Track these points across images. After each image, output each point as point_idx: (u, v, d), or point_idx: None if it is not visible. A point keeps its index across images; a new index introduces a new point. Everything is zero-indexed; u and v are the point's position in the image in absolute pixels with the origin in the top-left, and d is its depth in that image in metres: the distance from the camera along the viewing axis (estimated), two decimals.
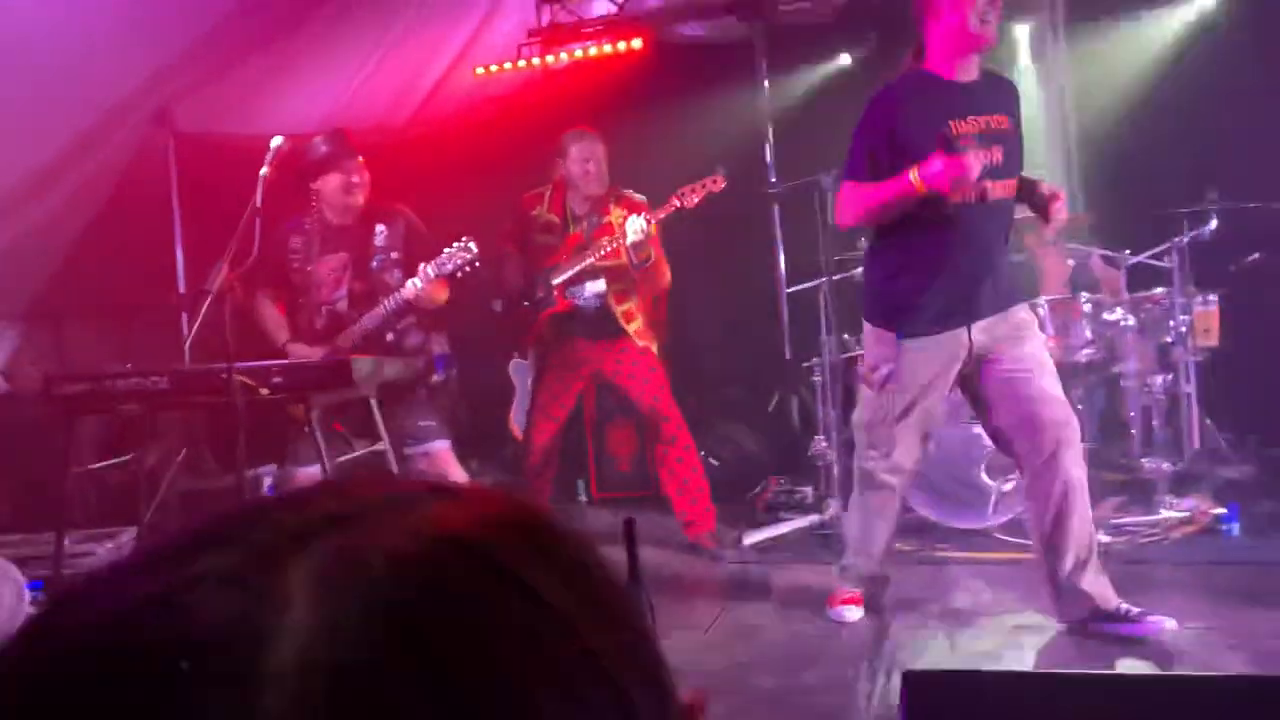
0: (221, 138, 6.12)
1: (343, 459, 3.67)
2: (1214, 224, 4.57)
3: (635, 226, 4.36)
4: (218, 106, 6.14)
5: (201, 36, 5.51)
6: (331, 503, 0.42)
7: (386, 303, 3.95)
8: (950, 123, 3.14)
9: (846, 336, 5.47)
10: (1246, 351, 5.06)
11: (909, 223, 3.24)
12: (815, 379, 5.28)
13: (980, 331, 3.30)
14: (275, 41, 5.90)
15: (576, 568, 0.43)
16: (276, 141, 3.54)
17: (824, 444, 5.05)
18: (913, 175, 3.07)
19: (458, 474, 4.10)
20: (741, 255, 6.76)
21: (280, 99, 6.41)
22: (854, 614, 3.63)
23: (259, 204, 3.41)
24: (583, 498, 5.97)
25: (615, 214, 4.63)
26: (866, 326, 3.52)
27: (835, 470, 4.88)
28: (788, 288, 6.23)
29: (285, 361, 3.52)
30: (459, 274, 3.90)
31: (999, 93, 3.30)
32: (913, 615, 3.67)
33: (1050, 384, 3.33)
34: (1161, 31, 5.92)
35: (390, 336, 4.02)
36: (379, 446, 3.69)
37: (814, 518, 4.94)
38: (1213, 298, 4.89)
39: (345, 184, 3.99)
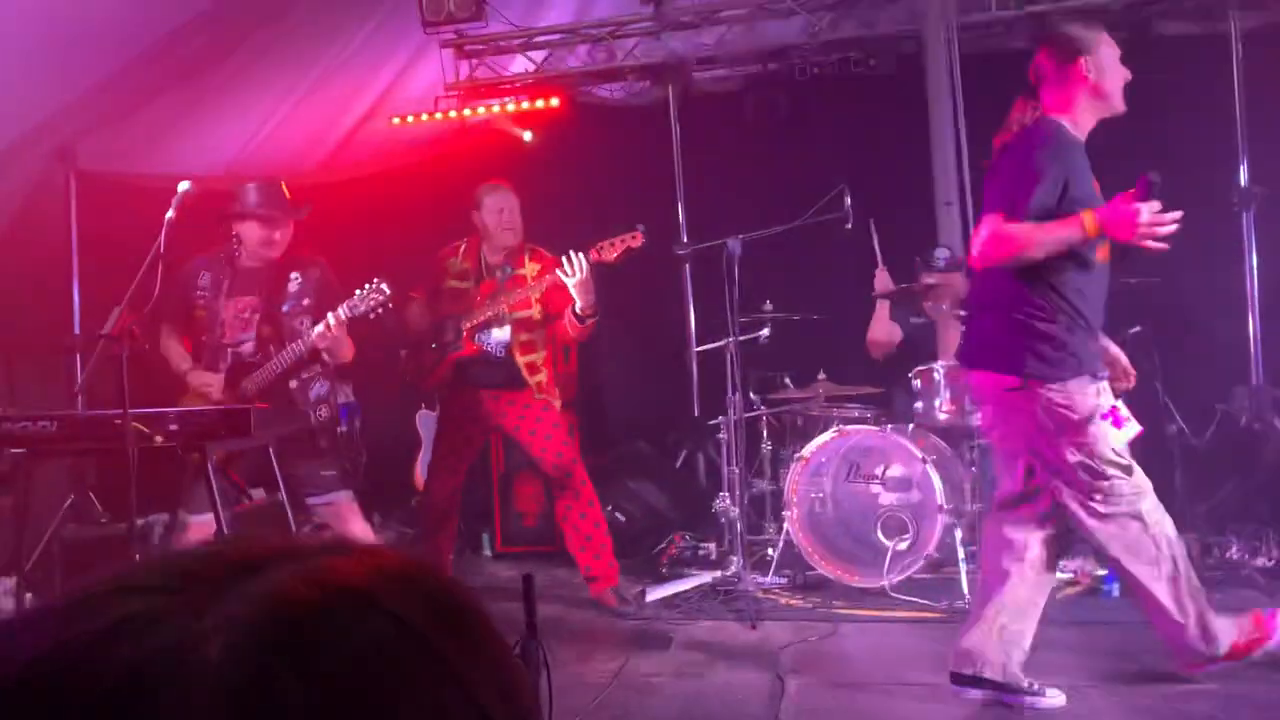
0: (125, 177, 6.00)
1: (239, 508, 3.58)
2: None
3: (579, 284, 4.35)
4: (123, 145, 6.03)
5: (109, 74, 5.43)
6: (237, 553, 0.46)
7: (293, 347, 3.91)
8: (1094, 182, 3.28)
9: (753, 395, 5.58)
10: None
11: (1071, 272, 3.25)
12: (721, 436, 5.36)
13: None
14: (185, 82, 5.84)
15: (463, 617, 0.47)
16: (184, 186, 3.49)
17: (727, 500, 5.11)
18: (1087, 220, 3.12)
19: (359, 525, 4.04)
20: (652, 313, 6.85)
21: (188, 140, 6.32)
22: None
23: (162, 248, 3.35)
24: (487, 551, 5.91)
25: (529, 267, 4.67)
26: (1062, 386, 3.24)
27: (739, 527, 4.94)
28: (697, 346, 6.33)
29: (181, 409, 3.44)
30: (372, 315, 3.87)
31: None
32: (808, 673, 3.72)
33: None
34: None
35: (294, 384, 3.97)
36: (277, 496, 3.62)
37: (717, 574, 4.98)
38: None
39: (267, 238, 3.97)
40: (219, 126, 6.50)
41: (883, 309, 5.60)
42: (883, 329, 5.57)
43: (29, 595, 3.76)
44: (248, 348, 3.97)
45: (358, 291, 3.87)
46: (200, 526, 3.67)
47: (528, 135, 6.78)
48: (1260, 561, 4.62)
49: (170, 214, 3.39)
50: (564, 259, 4.38)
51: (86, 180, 5.89)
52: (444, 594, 0.48)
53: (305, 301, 4.02)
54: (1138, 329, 5.38)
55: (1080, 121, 3.36)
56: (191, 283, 4.00)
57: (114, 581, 0.44)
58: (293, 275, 3.95)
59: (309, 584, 0.44)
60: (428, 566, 0.49)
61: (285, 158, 7.03)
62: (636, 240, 4.44)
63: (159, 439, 3.21)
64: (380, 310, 3.86)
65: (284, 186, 4.15)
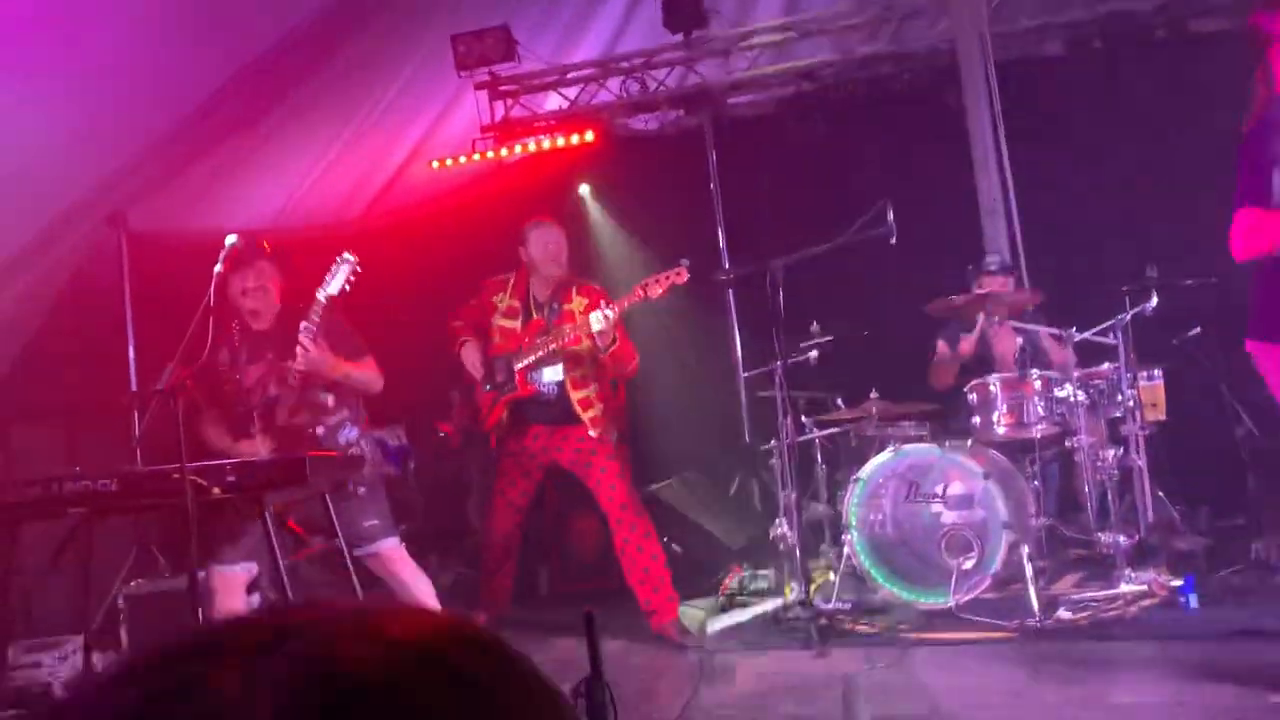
0: (175, 236, 6.12)
1: (297, 556, 3.59)
2: (1155, 300, 4.70)
3: (597, 318, 4.40)
4: (171, 205, 6.16)
5: (156, 138, 5.56)
6: (289, 616, 0.47)
7: (289, 379, 3.84)
8: None
9: (804, 419, 5.52)
10: (1192, 424, 5.16)
11: None
12: (774, 461, 5.29)
13: None
14: (229, 140, 5.96)
15: (517, 669, 0.47)
16: (231, 239, 3.55)
17: (784, 527, 5.04)
18: None
19: (410, 571, 4.01)
20: (698, 341, 6.83)
21: (234, 196, 6.45)
22: None
23: (212, 301, 3.39)
24: (543, 591, 5.88)
25: (577, 302, 4.68)
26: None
27: (796, 553, 4.86)
28: (744, 372, 6.29)
29: (238, 460, 3.46)
30: (347, 286, 3.79)
31: None
32: (880, 700, 3.63)
33: None
34: (1094, 112, 6.15)
35: (320, 430, 3.92)
36: (335, 543, 3.63)
37: (778, 602, 4.90)
38: (1157, 372, 5.00)
39: (242, 288, 3.91)
40: (264, 180, 6.62)
41: (944, 358, 5.56)
42: (948, 372, 5.50)
43: (95, 654, 3.79)
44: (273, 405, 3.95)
45: (326, 275, 3.78)
46: (228, 578, 3.66)
47: (584, 189, 6.79)
48: None
49: (219, 268, 3.44)
50: (590, 315, 4.38)
51: (137, 241, 6.02)
52: (497, 647, 0.48)
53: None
54: (1197, 330, 5.25)
55: None
56: (214, 366, 3.93)
57: (168, 648, 0.44)
58: (302, 325, 3.88)
59: (362, 641, 0.44)
60: (470, 620, 0.49)
61: (329, 207, 7.15)
62: (681, 277, 4.43)
63: (217, 490, 3.24)
64: (352, 279, 3.77)
65: (259, 241, 4.05)
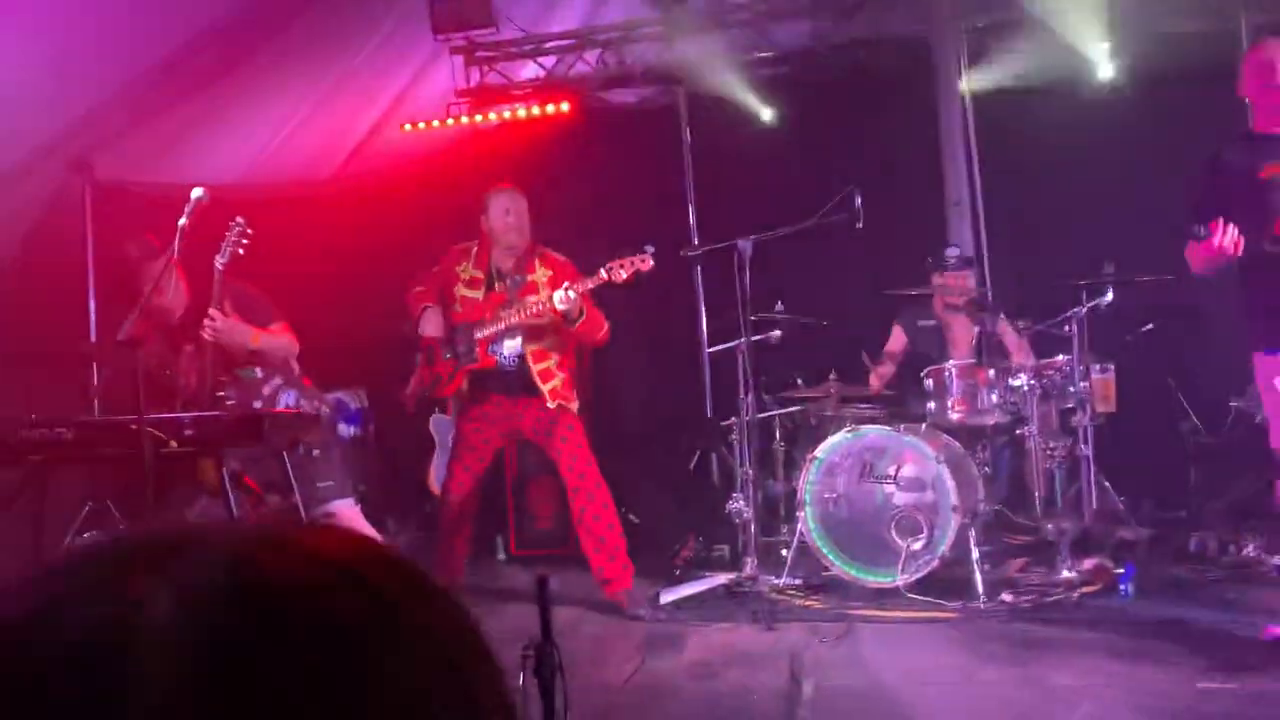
0: (141, 187, 6.04)
1: (253, 515, 3.60)
2: (1110, 295, 4.79)
3: (560, 298, 4.42)
4: (138, 155, 6.08)
5: (123, 85, 5.47)
6: (206, 529, 0.47)
7: (204, 360, 3.79)
8: (1265, 165, 3.60)
9: (765, 396, 5.59)
10: (1141, 417, 5.29)
11: (1255, 253, 3.57)
12: (734, 437, 5.36)
13: None
14: (199, 93, 5.88)
15: (439, 597, 0.48)
16: (197, 193, 3.52)
17: (741, 502, 5.11)
18: (1201, 232, 3.51)
19: (365, 531, 4.02)
20: (664, 315, 6.86)
21: (203, 150, 6.37)
22: None
23: (176, 255, 3.38)
24: (500, 555, 5.92)
25: (540, 272, 4.69)
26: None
27: (752, 528, 4.94)
28: (709, 348, 6.34)
29: (197, 414, 3.46)
30: (240, 250, 3.70)
31: None
32: (824, 675, 3.72)
33: None
34: (1062, 112, 6.23)
35: (258, 404, 3.88)
36: (292, 500, 3.64)
37: (730, 575, 4.98)
38: (1110, 366, 5.12)
39: (156, 286, 3.80)
40: (233, 136, 6.55)
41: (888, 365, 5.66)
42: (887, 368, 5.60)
43: None
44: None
45: (223, 245, 3.71)
46: None
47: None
48: (1277, 559, 4.58)
49: (184, 221, 3.42)
50: (557, 292, 4.40)
51: (102, 191, 5.94)
52: (413, 569, 0.48)
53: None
54: (1150, 326, 5.36)
55: None
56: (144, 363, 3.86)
57: (60, 560, 0.44)
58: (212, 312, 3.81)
59: (274, 549, 0.44)
60: (396, 550, 0.50)
61: (299, 166, 7.08)
62: (646, 264, 4.45)
63: (174, 444, 3.24)
64: (243, 244, 3.69)
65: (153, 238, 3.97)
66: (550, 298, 4.46)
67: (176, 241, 3.45)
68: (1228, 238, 3.46)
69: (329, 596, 0.43)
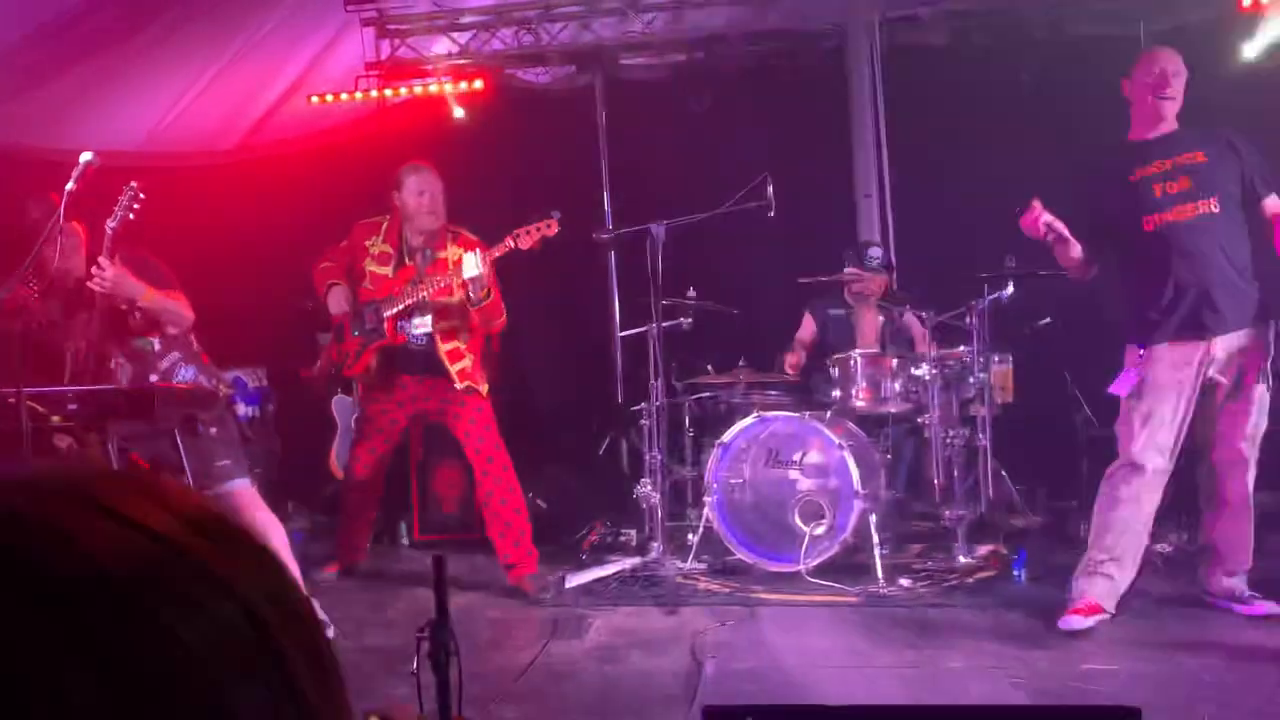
0: (31, 150, 5.77)
1: None
2: (1011, 289, 4.92)
3: (472, 262, 4.34)
4: (29, 118, 5.80)
5: (14, 45, 5.21)
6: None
7: (94, 327, 3.61)
8: (1136, 170, 3.86)
9: (675, 382, 5.60)
10: (1038, 408, 5.44)
11: (1126, 252, 3.92)
12: (644, 422, 5.36)
13: (1220, 348, 3.78)
14: (96, 55, 5.64)
15: (227, 529, 0.45)
16: (86, 157, 3.36)
17: (649, 487, 5.12)
18: (1018, 210, 3.89)
19: (261, 515, 3.90)
20: (576, 299, 6.83)
21: (100, 115, 6.12)
22: (1083, 622, 3.74)
23: (61, 219, 3.22)
24: (404, 540, 5.83)
25: (451, 251, 4.61)
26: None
27: (659, 513, 4.95)
28: (620, 332, 6.33)
29: (82, 388, 3.31)
30: (131, 215, 3.53)
31: (1196, 138, 3.88)
32: (726, 657, 3.74)
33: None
34: (971, 109, 6.36)
35: (154, 378, 3.70)
36: (183, 480, 3.51)
37: (636, 560, 4.98)
38: (1008, 357, 5.26)
39: (41, 249, 3.52)
40: (133, 101, 6.30)
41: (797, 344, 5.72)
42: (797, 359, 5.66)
43: None
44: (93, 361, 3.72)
45: (115, 210, 3.55)
46: None
47: (459, 112, 6.66)
48: (1161, 547, 4.76)
49: (71, 185, 3.27)
50: (464, 258, 4.33)
51: None
52: (203, 509, 0.45)
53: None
54: (1047, 320, 5.52)
55: None
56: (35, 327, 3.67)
57: None
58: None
59: (29, 492, 0.42)
60: (176, 485, 0.47)
61: (202, 134, 6.85)
62: (552, 229, 4.41)
63: (56, 419, 3.09)
64: (133, 208, 3.52)
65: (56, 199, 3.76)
66: (460, 267, 4.38)
67: (62, 205, 3.28)
68: (1037, 215, 3.81)
69: (95, 552, 0.40)
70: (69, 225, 3.55)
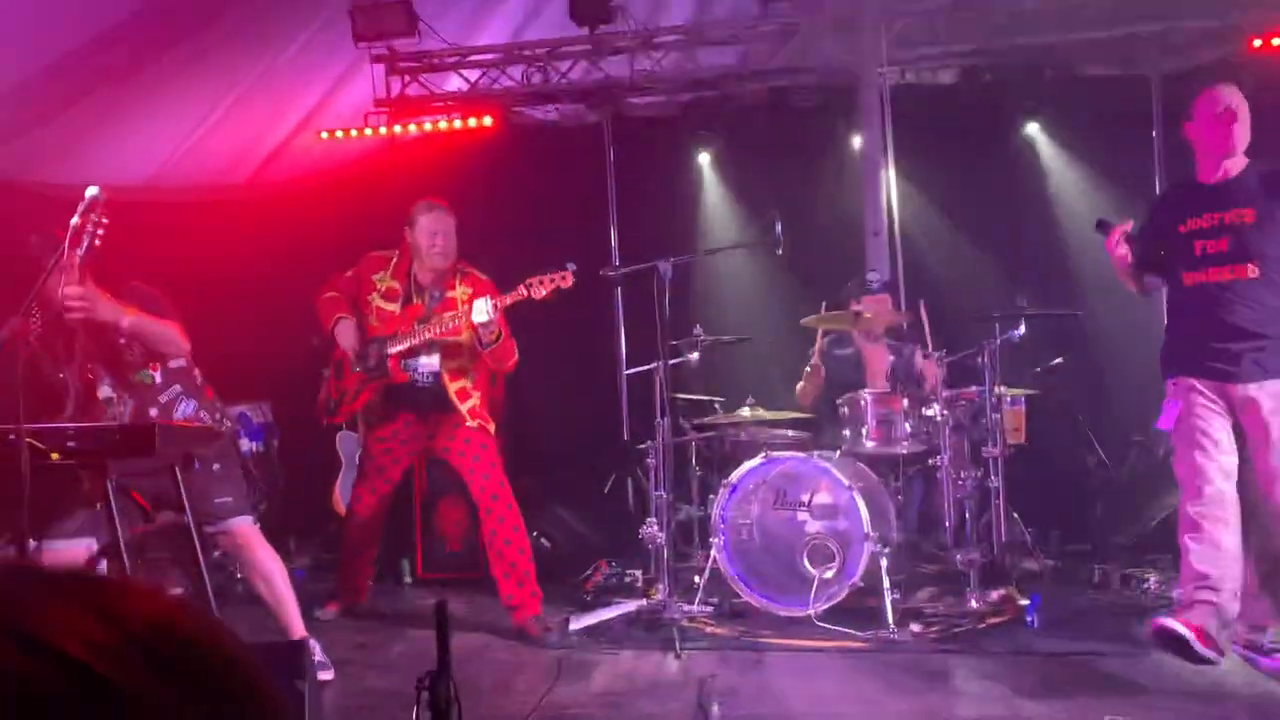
0: (40, 187, 5.79)
1: (137, 530, 3.41)
2: (1022, 329, 4.87)
3: (482, 308, 4.32)
4: (38, 155, 5.82)
5: (23, 80, 5.24)
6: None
7: (85, 360, 3.57)
8: (1188, 220, 3.84)
9: (682, 421, 5.54)
10: (1049, 450, 5.38)
11: (1169, 295, 4.05)
12: (650, 461, 5.30)
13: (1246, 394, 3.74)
14: (105, 92, 5.66)
15: (185, 656, 0.41)
16: (92, 192, 3.33)
17: (654, 527, 5.04)
18: (1104, 228, 4.00)
19: (263, 552, 3.84)
20: (583, 336, 6.80)
21: (109, 151, 6.14)
22: (1179, 630, 3.65)
23: (65, 255, 3.20)
24: (407, 578, 5.75)
25: (460, 290, 4.58)
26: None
27: (665, 554, 4.87)
28: (627, 370, 6.29)
29: (82, 425, 3.27)
30: (95, 241, 3.27)
31: (1252, 189, 3.80)
32: (732, 704, 3.66)
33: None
34: (981, 148, 6.36)
35: (154, 412, 3.65)
36: (183, 519, 3.46)
37: (642, 602, 4.90)
38: (1021, 398, 5.19)
39: (43, 285, 3.41)
40: (142, 138, 6.32)
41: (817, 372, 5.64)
42: (813, 387, 5.59)
43: None
44: (106, 394, 3.68)
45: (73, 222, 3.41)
46: (63, 554, 3.44)
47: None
48: (1177, 593, 4.67)
49: (76, 220, 3.24)
50: (474, 303, 4.31)
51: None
52: (153, 620, 0.41)
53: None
54: (1059, 360, 5.47)
55: None
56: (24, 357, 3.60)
57: None
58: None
59: (64, 607, 0.39)
60: (193, 609, 0.42)
61: (211, 171, 6.87)
62: (566, 281, 4.39)
63: (56, 455, 3.05)
64: (98, 234, 3.28)
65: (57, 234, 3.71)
66: (470, 310, 4.36)
67: (67, 240, 3.26)
68: (1114, 242, 3.88)
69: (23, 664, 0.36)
70: (70, 256, 3.50)
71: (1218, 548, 3.70)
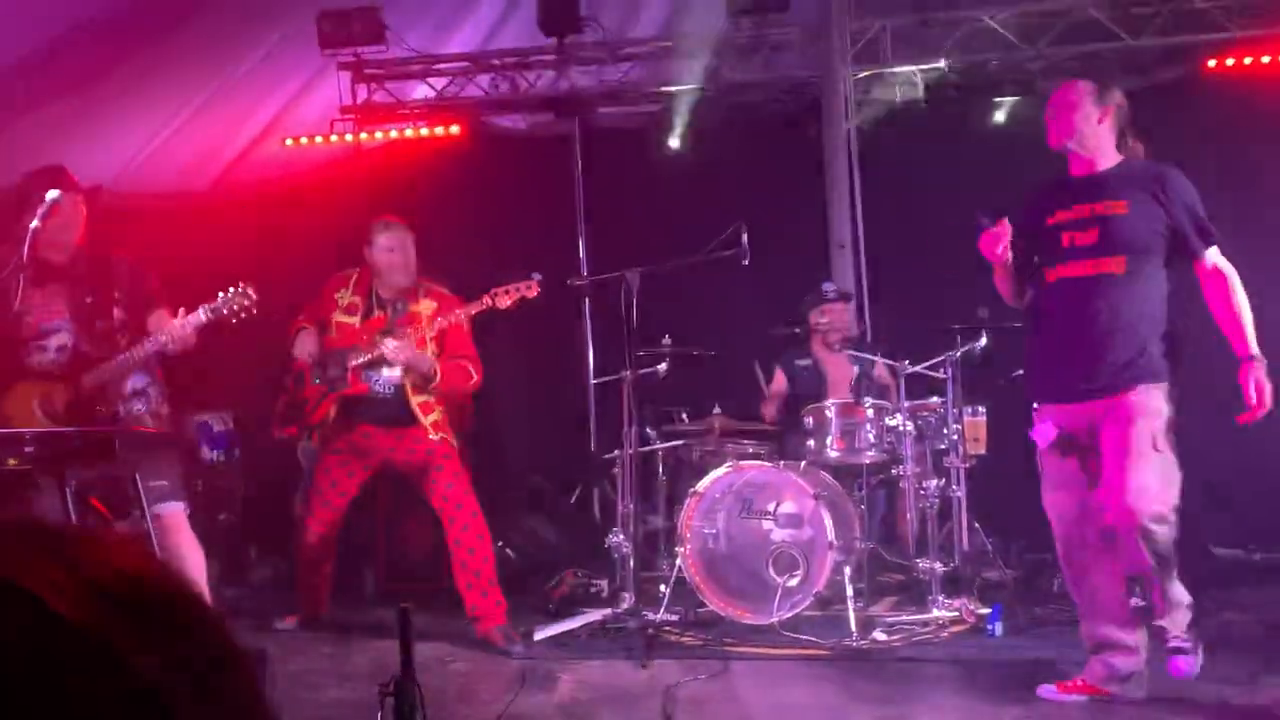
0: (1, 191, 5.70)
1: None
2: (984, 340, 4.93)
3: (393, 344, 4.33)
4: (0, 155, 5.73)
5: None
6: None
7: (146, 344, 3.65)
8: (1057, 212, 3.58)
9: (649, 430, 5.55)
10: (1011, 460, 5.43)
11: (1031, 298, 3.71)
12: (616, 471, 5.30)
13: (1087, 406, 3.48)
14: (68, 94, 5.60)
15: (143, 600, 0.43)
16: (52, 195, 3.31)
17: (620, 536, 5.04)
18: (985, 221, 3.67)
19: (188, 542, 3.76)
20: (550, 346, 6.79)
21: (70, 153, 6.04)
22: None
23: (24, 258, 3.16)
24: (369, 589, 5.70)
25: (424, 304, 4.58)
26: None
27: (631, 563, 4.87)
28: (594, 379, 6.29)
29: (40, 430, 3.23)
30: (234, 319, 3.68)
31: (1130, 181, 3.52)
32: (696, 712, 3.67)
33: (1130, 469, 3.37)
34: (947, 158, 6.43)
35: (120, 410, 3.70)
36: (142, 526, 3.42)
37: (607, 611, 4.89)
38: (982, 409, 5.25)
39: (65, 220, 3.64)
40: (103, 140, 6.25)
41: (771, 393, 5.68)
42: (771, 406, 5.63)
43: None
44: (57, 341, 3.70)
45: (220, 294, 3.67)
46: None
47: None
48: (1135, 600, 4.73)
49: (36, 223, 3.21)
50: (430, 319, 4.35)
51: None
52: (119, 572, 0.43)
53: (115, 294, 3.77)
54: (1021, 372, 5.52)
55: None
56: None
57: None
58: (103, 270, 3.68)
59: (51, 564, 0.41)
60: (165, 568, 0.44)
61: (174, 175, 6.80)
62: (532, 290, 4.41)
63: (12, 462, 3.00)
64: (243, 315, 3.66)
65: (64, 170, 3.84)
66: (433, 328, 4.39)
67: (27, 244, 3.22)
68: (991, 241, 3.61)
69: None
70: (71, 199, 3.59)
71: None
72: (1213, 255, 3.46)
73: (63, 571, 0.41)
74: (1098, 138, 3.57)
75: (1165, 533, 3.36)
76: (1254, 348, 3.39)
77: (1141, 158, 3.64)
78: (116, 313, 3.70)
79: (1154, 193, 3.48)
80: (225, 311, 3.65)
